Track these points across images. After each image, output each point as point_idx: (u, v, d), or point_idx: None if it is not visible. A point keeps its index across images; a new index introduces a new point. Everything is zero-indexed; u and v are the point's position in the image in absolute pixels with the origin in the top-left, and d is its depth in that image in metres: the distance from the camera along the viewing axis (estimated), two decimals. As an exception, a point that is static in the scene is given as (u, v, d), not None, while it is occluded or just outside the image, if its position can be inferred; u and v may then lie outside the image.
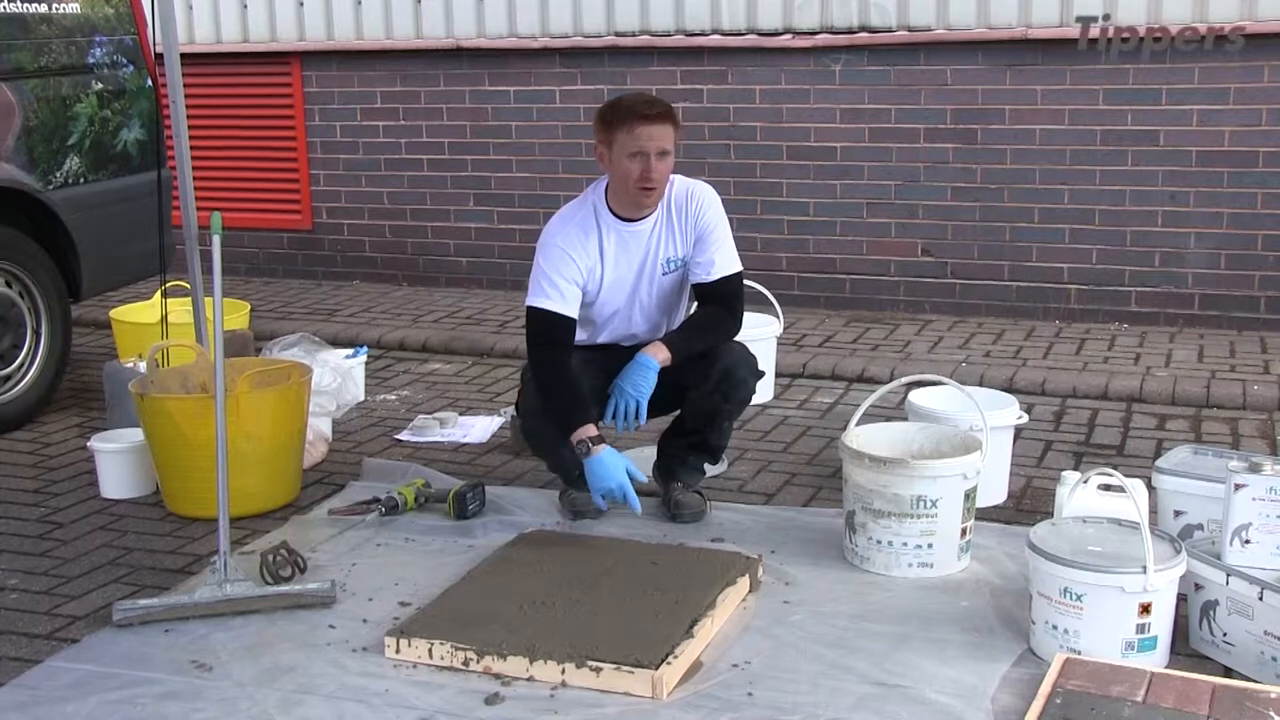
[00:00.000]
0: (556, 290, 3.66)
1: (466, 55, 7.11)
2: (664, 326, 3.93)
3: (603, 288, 3.75)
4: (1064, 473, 3.42)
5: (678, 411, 3.90)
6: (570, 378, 3.65)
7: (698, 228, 3.76)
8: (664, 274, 3.79)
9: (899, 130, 6.41)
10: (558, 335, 3.68)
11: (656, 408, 3.94)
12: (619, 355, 3.87)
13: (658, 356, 3.64)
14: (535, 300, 3.68)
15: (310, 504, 4.05)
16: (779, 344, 5.25)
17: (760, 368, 3.86)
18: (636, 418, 3.65)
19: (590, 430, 3.58)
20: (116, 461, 4.14)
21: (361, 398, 5.06)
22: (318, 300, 7.15)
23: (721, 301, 3.79)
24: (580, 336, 3.87)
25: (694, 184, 3.81)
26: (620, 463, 3.58)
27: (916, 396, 4.04)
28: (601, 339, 3.89)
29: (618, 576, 3.32)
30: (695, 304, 3.92)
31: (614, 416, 3.66)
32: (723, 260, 3.78)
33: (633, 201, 3.68)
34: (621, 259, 3.75)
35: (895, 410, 4.48)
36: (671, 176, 3.74)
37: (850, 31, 6.37)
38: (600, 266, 3.73)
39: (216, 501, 3.36)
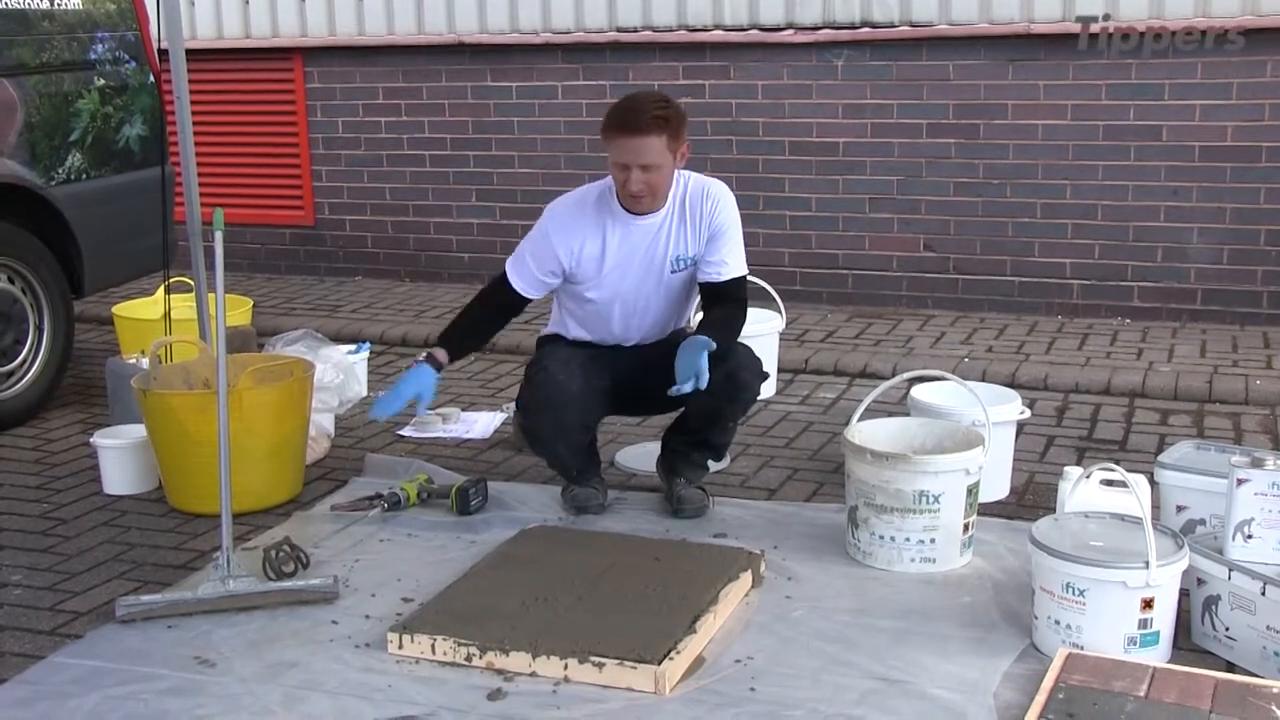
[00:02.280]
0: (526, 268, 3.78)
1: (468, 51, 7.11)
2: (670, 327, 3.92)
3: (604, 275, 3.74)
4: (1066, 468, 3.42)
5: (681, 409, 3.89)
6: (478, 316, 3.91)
7: (711, 227, 3.73)
8: (673, 272, 3.77)
9: (901, 125, 6.41)
10: (497, 296, 3.84)
11: (659, 406, 3.94)
12: (626, 356, 3.85)
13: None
14: (509, 264, 3.82)
15: (313, 500, 4.06)
16: (781, 339, 5.25)
17: (764, 369, 3.84)
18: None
19: (438, 352, 3.80)
20: (119, 457, 4.14)
21: (364, 394, 5.05)
22: (320, 296, 7.15)
23: (734, 302, 3.76)
24: (583, 334, 3.88)
25: (710, 182, 3.78)
26: (411, 387, 3.73)
27: (919, 392, 4.04)
28: (609, 337, 3.88)
29: (620, 572, 3.32)
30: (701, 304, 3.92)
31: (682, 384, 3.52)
32: (734, 261, 3.77)
33: (624, 204, 3.69)
34: (624, 250, 3.73)
35: (897, 405, 4.48)
36: (686, 174, 3.73)
37: (852, 27, 6.36)
38: (604, 257, 3.72)
39: (219, 497, 3.36)
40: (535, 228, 3.79)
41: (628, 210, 3.71)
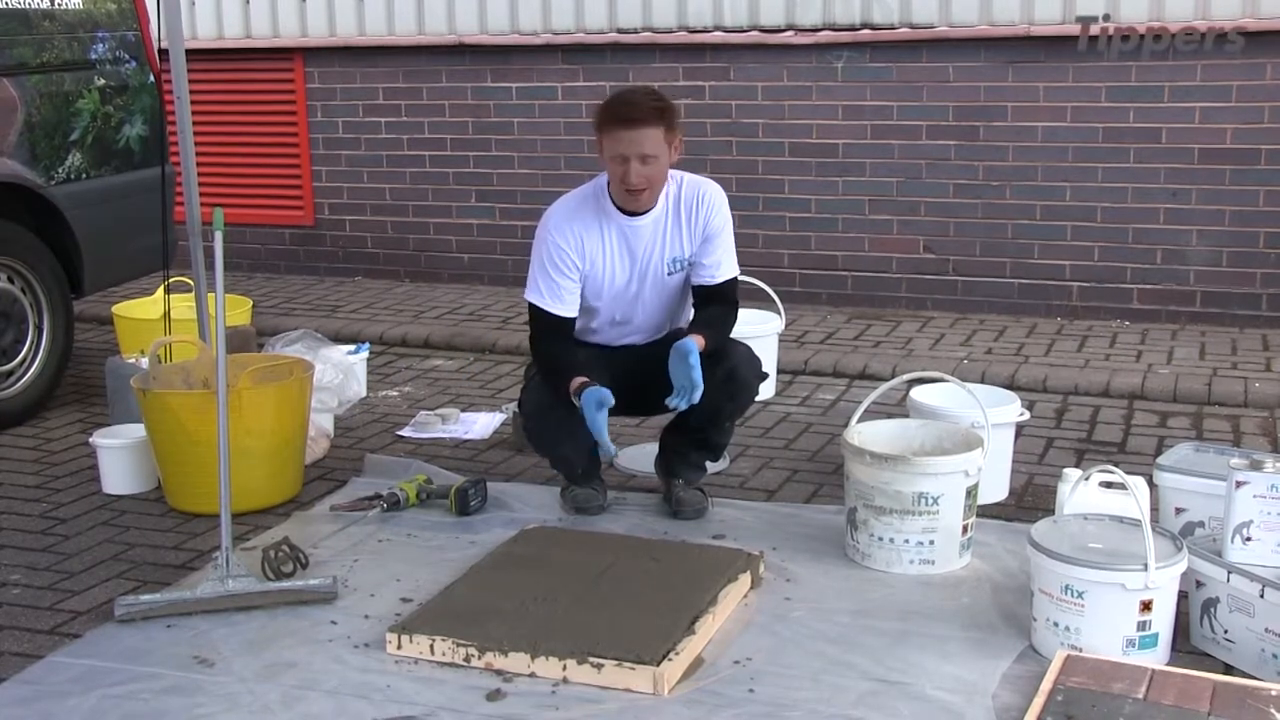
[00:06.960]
0: (553, 288, 3.67)
1: (469, 51, 7.11)
2: (667, 327, 3.91)
3: (601, 281, 3.74)
4: (1065, 470, 3.42)
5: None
6: (570, 360, 3.70)
7: (706, 230, 3.72)
8: (669, 274, 3.77)
9: (901, 127, 6.41)
10: (556, 332, 3.72)
11: (659, 407, 3.93)
12: (622, 357, 3.84)
13: (699, 344, 3.59)
14: (532, 297, 3.72)
15: (312, 500, 4.06)
16: (781, 341, 5.25)
17: (764, 369, 3.85)
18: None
19: (575, 383, 3.58)
20: (118, 457, 4.14)
21: (363, 394, 5.06)
22: (320, 296, 7.15)
23: (726, 303, 3.79)
24: (583, 334, 3.87)
25: (704, 183, 3.77)
26: (592, 412, 3.51)
27: (918, 393, 4.04)
28: (603, 338, 3.87)
29: (619, 573, 3.32)
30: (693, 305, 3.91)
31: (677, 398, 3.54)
32: (727, 264, 3.78)
33: (622, 201, 3.67)
34: (622, 253, 3.72)
35: (897, 407, 4.48)
36: (680, 174, 3.73)
37: (853, 28, 6.36)
38: (601, 259, 3.71)
39: (218, 497, 3.36)
40: (537, 247, 3.72)
41: (622, 210, 3.69)
